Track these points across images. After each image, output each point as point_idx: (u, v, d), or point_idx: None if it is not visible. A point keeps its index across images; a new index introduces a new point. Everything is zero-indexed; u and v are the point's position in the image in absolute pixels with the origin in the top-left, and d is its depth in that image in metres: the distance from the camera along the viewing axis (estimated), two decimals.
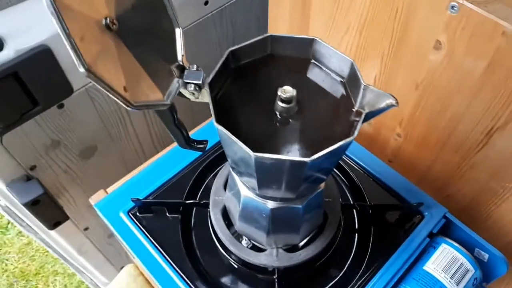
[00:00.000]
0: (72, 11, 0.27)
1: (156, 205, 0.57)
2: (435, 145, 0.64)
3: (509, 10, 0.47)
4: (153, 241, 0.54)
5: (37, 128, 0.61)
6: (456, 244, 0.55)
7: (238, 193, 0.46)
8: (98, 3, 0.30)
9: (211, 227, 0.55)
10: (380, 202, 0.59)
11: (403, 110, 0.65)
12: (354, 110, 0.39)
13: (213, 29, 0.79)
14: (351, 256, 0.55)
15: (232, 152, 0.38)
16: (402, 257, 0.54)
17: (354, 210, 0.59)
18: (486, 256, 0.56)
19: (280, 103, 0.38)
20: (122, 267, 0.74)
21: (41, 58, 0.53)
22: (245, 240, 0.53)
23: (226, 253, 0.53)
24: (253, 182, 0.40)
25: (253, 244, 0.53)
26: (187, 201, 0.57)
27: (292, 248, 0.51)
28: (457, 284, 0.52)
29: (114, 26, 0.30)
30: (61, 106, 0.61)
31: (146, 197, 0.58)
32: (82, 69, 0.26)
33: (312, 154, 0.33)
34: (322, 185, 0.46)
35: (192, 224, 0.57)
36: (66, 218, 0.73)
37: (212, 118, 0.35)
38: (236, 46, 0.39)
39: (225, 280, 0.52)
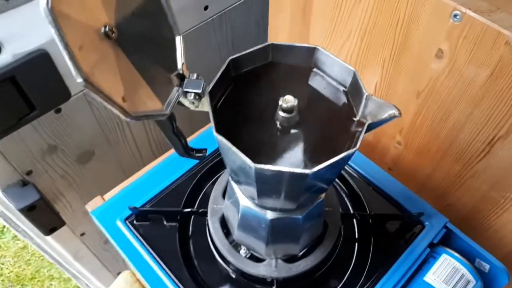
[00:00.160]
0: (70, 19, 0.26)
1: (154, 214, 0.56)
2: (436, 154, 0.64)
3: None
4: (150, 249, 0.53)
5: (34, 133, 0.60)
6: (457, 255, 0.54)
7: (237, 202, 0.46)
8: (97, 11, 0.29)
9: (209, 236, 0.54)
10: (380, 211, 0.58)
11: (404, 118, 0.64)
12: (356, 120, 0.38)
13: (213, 33, 0.79)
14: (351, 267, 0.54)
15: (231, 161, 0.38)
16: (402, 267, 0.53)
17: (354, 220, 0.58)
18: (487, 266, 0.55)
19: (281, 113, 0.37)
20: (118, 273, 0.74)
21: (39, 62, 0.53)
22: (244, 249, 0.52)
23: (224, 263, 0.52)
24: (253, 191, 0.39)
25: (252, 253, 0.52)
26: (185, 210, 0.56)
27: (291, 259, 0.50)
28: None
29: (113, 34, 0.30)
30: (58, 110, 0.61)
31: (144, 205, 0.57)
32: (80, 79, 0.25)
33: (314, 165, 0.33)
34: (323, 195, 0.46)
35: (190, 233, 0.56)
36: (62, 223, 0.72)
37: (212, 127, 0.34)
38: (237, 54, 0.39)
39: None
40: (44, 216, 0.67)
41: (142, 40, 0.34)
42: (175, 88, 0.36)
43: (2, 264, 1.36)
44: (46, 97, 0.56)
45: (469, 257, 0.55)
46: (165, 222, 0.56)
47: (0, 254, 1.38)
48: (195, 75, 0.37)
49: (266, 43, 0.40)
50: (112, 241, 0.55)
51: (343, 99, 0.40)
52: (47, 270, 1.35)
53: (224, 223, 0.52)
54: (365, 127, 0.36)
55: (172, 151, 0.60)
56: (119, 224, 0.55)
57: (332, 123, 0.39)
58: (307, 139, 0.38)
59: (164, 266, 0.52)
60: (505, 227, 0.62)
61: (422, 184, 0.69)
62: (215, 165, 0.62)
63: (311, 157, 0.37)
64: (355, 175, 0.63)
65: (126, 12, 0.32)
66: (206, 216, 0.53)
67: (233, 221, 0.48)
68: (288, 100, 0.36)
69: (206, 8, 0.73)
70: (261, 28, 0.86)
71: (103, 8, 0.30)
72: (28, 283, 1.33)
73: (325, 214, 0.50)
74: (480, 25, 0.47)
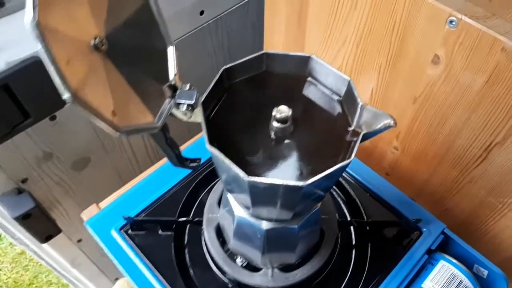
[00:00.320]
0: (58, 33, 0.25)
1: (149, 223, 0.56)
2: (433, 159, 0.63)
3: (508, 26, 0.46)
4: (145, 259, 0.53)
5: (29, 140, 0.59)
6: (454, 261, 0.54)
7: (231, 211, 0.45)
8: (87, 22, 0.29)
9: (205, 245, 0.53)
10: (377, 217, 0.58)
11: (401, 124, 0.64)
12: (350, 129, 0.38)
13: (209, 38, 0.78)
14: (349, 274, 0.53)
15: (225, 173, 0.37)
16: (400, 274, 0.52)
17: (351, 227, 0.58)
18: (486, 272, 0.55)
19: (275, 123, 0.37)
20: (116, 279, 0.73)
21: (33, 70, 0.52)
22: (240, 258, 0.52)
23: (220, 273, 0.52)
24: (247, 201, 0.39)
25: (248, 262, 0.51)
26: (180, 219, 0.56)
27: (288, 268, 0.50)
28: None
29: (103, 46, 0.29)
30: (53, 117, 0.60)
31: (138, 214, 0.57)
32: (66, 95, 0.25)
33: (309, 176, 0.32)
34: (319, 204, 0.45)
35: (186, 242, 0.55)
36: (59, 231, 0.71)
37: (205, 139, 0.34)
38: (231, 64, 0.38)
39: None
40: (40, 224, 0.66)
41: (133, 51, 0.33)
42: (167, 100, 0.35)
43: (0, 270, 1.35)
44: (40, 104, 0.56)
45: (467, 263, 0.54)
46: (160, 231, 0.55)
47: None
48: (187, 86, 0.36)
49: (260, 52, 0.39)
50: (107, 251, 0.54)
51: (338, 108, 0.39)
52: (45, 275, 1.35)
53: (219, 232, 0.52)
54: (360, 137, 0.35)
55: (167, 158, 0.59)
56: (114, 233, 0.55)
57: (326, 133, 0.39)
58: (301, 150, 0.38)
59: (160, 276, 0.51)
60: (503, 233, 0.61)
61: (419, 190, 0.69)
62: (210, 173, 0.62)
63: (306, 168, 0.36)
64: (352, 181, 0.62)
65: (117, 22, 0.32)
66: (202, 225, 0.53)
67: (229, 230, 0.48)
68: (282, 111, 0.36)
69: (202, 13, 0.73)
70: (256, 33, 0.86)
71: (93, 19, 0.29)
72: None
73: (321, 222, 0.50)
74: (476, 31, 0.46)
